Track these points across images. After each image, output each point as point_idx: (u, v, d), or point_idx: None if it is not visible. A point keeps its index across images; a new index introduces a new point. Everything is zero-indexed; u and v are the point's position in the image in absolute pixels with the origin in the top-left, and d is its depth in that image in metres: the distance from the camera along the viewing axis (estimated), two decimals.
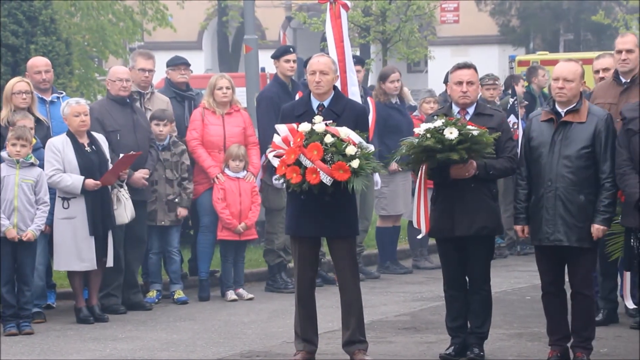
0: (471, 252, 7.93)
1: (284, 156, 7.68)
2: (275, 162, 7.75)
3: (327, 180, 7.57)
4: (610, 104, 8.60)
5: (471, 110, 7.98)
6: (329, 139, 7.62)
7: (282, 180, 7.83)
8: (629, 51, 8.85)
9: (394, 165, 11.75)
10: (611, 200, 7.62)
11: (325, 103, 8.01)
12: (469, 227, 7.82)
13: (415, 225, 8.10)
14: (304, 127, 7.71)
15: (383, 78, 12.16)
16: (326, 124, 7.72)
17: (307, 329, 8.03)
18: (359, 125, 7.91)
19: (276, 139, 7.82)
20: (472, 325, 8.02)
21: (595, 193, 7.63)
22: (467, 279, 8.02)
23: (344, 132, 7.71)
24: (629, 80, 8.82)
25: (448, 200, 7.87)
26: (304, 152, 7.61)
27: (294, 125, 7.79)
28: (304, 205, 7.84)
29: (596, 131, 7.64)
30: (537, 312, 8.56)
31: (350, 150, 7.61)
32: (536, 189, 7.75)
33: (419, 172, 7.85)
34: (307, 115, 7.91)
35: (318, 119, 7.76)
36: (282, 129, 7.83)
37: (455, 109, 7.99)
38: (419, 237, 8.33)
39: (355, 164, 7.57)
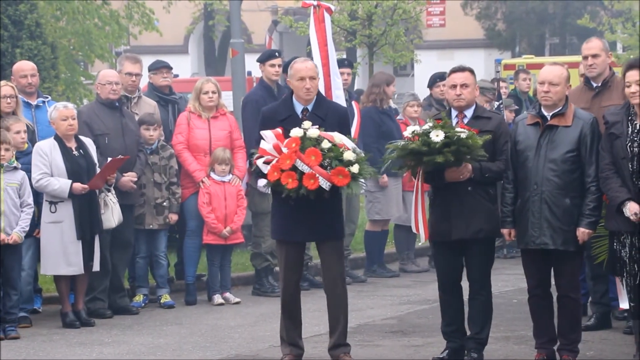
0: (469, 255, 7.90)
1: (274, 161, 7.63)
2: (265, 169, 7.70)
3: (326, 185, 7.57)
4: (584, 109, 8.64)
5: (469, 113, 7.93)
6: (326, 144, 7.64)
7: (269, 186, 7.77)
8: (594, 56, 8.93)
9: (385, 178, 11.79)
10: (596, 204, 7.63)
11: (309, 107, 8.01)
12: (466, 229, 7.78)
13: (414, 230, 8.06)
14: (296, 132, 7.69)
15: (389, 82, 12.16)
16: (316, 128, 7.72)
17: (292, 333, 8.03)
18: (341, 127, 7.96)
19: (264, 145, 7.78)
20: (471, 331, 7.98)
21: (581, 196, 7.65)
22: (468, 283, 8.00)
23: (338, 137, 7.73)
24: (600, 84, 8.88)
25: (445, 203, 7.85)
26: (302, 157, 7.59)
27: (279, 130, 7.77)
28: (292, 209, 7.83)
29: (582, 135, 7.66)
30: (523, 315, 8.57)
31: (349, 155, 7.63)
32: (522, 193, 7.75)
33: (417, 176, 7.84)
34: (291, 119, 7.90)
35: (308, 124, 7.75)
36: (268, 135, 7.79)
37: (454, 113, 7.98)
38: (420, 244, 8.33)
39: (355, 169, 7.61)
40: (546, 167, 7.65)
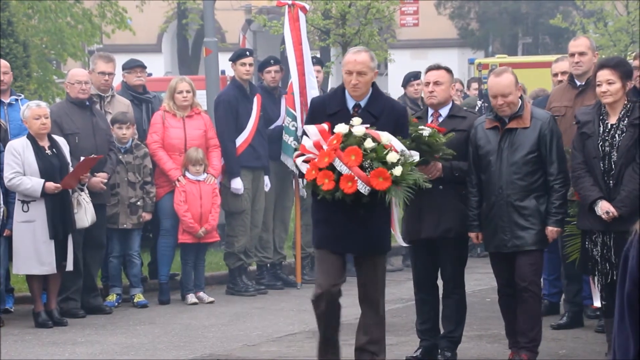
0: (442, 255, 7.89)
1: (314, 159, 6.76)
2: (304, 168, 6.81)
3: (364, 189, 6.65)
4: (567, 107, 8.69)
5: (444, 112, 7.91)
6: (369, 143, 6.69)
7: (309, 189, 6.98)
8: (581, 54, 8.95)
9: None
10: (562, 201, 7.63)
11: (362, 103, 7.03)
12: (435, 229, 7.77)
13: (393, 232, 7.93)
14: (341, 128, 6.75)
15: None
16: (366, 127, 6.81)
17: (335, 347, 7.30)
18: (398, 129, 6.97)
19: (305, 142, 6.86)
20: (444, 330, 7.98)
21: (546, 196, 7.64)
22: (442, 283, 7.98)
23: (386, 137, 6.77)
24: (583, 83, 8.91)
25: (416, 203, 7.79)
26: (340, 155, 6.66)
27: (325, 126, 6.85)
28: (337, 217, 6.91)
29: (540, 135, 7.62)
30: (497, 314, 8.59)
31: (392, 157, 6.69)
32: (487, 196, 7.71)
33: None
34: (341, 114, 6.95)
35: (357, 120, 6.80)
36: (311, 130, 6.84)
37: (430, 111, 7.96)
38: (403, 244, 8.07)
39: (397, 171, 6.66)
40: (509, 170, 7.61)
